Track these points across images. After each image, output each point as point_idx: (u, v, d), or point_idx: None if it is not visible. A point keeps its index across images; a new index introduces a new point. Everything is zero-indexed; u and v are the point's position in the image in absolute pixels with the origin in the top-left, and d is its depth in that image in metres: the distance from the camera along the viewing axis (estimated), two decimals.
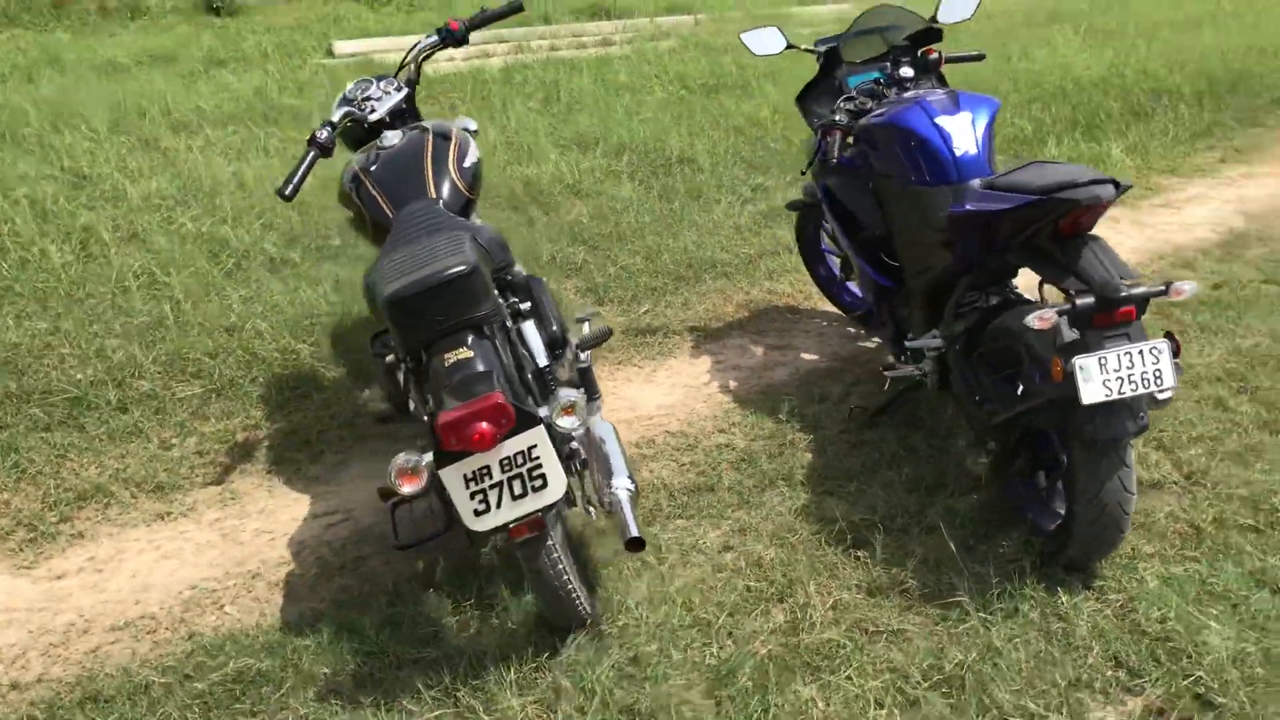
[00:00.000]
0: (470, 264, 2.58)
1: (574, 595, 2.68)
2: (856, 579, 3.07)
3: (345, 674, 2.74)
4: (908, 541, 3.20)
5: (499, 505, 2.42)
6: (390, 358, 2.95)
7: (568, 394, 2.48)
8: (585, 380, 2.98)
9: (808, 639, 2.83)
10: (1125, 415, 2.75)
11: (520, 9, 3.76)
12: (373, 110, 3.50)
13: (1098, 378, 2.68)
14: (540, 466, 2.43)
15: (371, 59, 8.64)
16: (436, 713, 2.62)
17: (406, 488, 2.39)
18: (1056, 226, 2.89)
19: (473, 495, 2.40)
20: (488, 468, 2.39)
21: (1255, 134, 7.63)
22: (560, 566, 2.62)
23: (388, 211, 3.19)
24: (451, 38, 3.63)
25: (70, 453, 3.73)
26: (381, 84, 3.60)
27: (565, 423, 2.48)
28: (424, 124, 3.49)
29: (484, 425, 2.32)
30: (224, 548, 3.31)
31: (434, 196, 3.22)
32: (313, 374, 4.20)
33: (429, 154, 3.32)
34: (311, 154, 3.24)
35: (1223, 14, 10.80)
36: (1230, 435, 3.69)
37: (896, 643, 2.83)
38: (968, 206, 3.09)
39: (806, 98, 4.26)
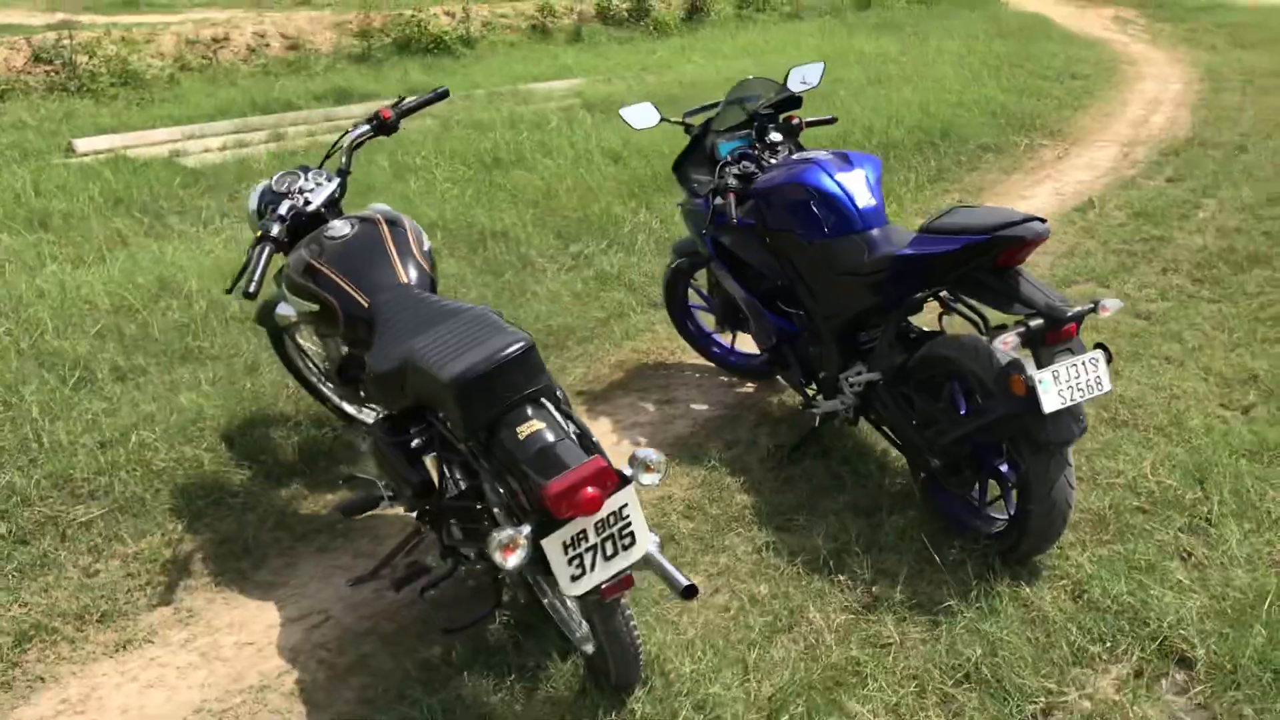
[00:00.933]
0: (529, 340, 2.66)
1: (640, 651, 2.78)
2: (847, 600, 3.33)
3: None
4: (877, 560, 3.50)
5: (592, 568, 2.51)
6: (417, 441, 2.94)
7: (647, 453, 2.60)
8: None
9: (829, 660, 3.06)
10: (1071, 420, 3.18)
11: (446, 95, 3.84)
12: (308, 202, 3.48)
13: (1054, 389, 3.09)
14: (629, 525, 2.54)
15: (124, 154, 8.20)
16: None
17: (510, 560, 2.43)
18: (995, 262, 3.30)
19: (570, 561, 2.47)
20: (584, 532, 2.48)
21: (976, 176, 8.65)
22: (633, 623, 2.72)
23: (360, 300, 3.18)
24: (383, 126, 3.67)
25: None
26: (310, 175, 3.59)
27: (648, 479, 2.59)
28: (366, 213, 3.50)
29: (591, 490, 2.41)
30: (210, 667, 3.14)
31: (405, 281, 3.25)
32: (221, 480, 4.02)
33: (390, 241, 3.34)
34: (267, 249, 3.21)
35: (910, 73, 12.10)
36: (1086, 436, 4.24)
37: (907, 650, 3.11)
38: (911, 250, 3.45)
39: (683, 165, 4.54)
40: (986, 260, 3.31)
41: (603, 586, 2.54)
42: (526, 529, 2.47)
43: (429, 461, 2.97)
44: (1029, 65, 12.94)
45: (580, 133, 9.01)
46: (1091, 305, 3.21)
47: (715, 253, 4.36)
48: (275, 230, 3.26)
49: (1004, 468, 3.48)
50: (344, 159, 3.64)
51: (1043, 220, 3.26)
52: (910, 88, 11.26)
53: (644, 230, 6.78)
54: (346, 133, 3.67)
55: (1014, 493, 3.42)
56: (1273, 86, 12.01)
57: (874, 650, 3.11)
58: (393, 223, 3.44)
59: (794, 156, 4.12)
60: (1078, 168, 8.89)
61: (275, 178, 3.59)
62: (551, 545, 2.46)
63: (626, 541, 2.54)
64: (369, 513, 3.38)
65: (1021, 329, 3.15)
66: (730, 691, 2.92)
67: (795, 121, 4.42)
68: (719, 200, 4.10)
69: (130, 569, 3.57)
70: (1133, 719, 2.84)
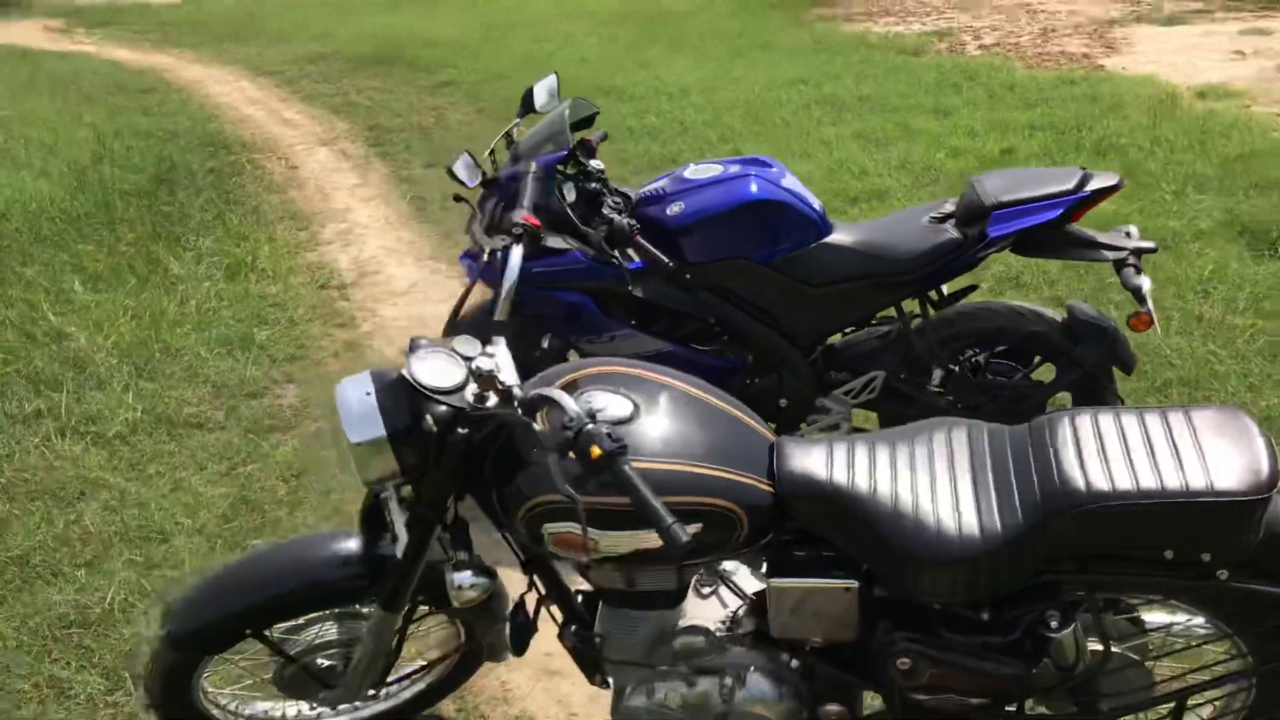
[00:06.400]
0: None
1: None
2: None
3: None
4: None
5: None
6: (1056, 623, 2.20)
7: None
8: None
9: None
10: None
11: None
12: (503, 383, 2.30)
13: (1154, 313, 3.40)
14: None
15: None
16: None
17: None
18: (1071, 219, 3.45)
19: None
20: None
21: None
22: None
23: (761, 485, 2.29)
24: (534, 236, 3.24)
25: None
26: (465, 347, 2.19)
27: None
28: (596, 370, 2.36)
29: None
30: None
31: (773, 437, 2.48)
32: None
33: (700, 391, 2.42)
34: (628, 466, 2.00)
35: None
36: None
37: None
38: (1003, 230, 3.45)
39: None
40: (1065, 219, 3.45)
41: None
42: None
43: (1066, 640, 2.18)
44: None
45: None
46: (1127, 232, 3.49)
47: (600, 306, 3.73)
48: (610, 441, 1.92)
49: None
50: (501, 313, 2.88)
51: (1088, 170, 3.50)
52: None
53: None
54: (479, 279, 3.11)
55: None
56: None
57: None
58: (659, 370, 2.39)
59: (693, 177, 3.71)
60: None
61: (413, 366, 2.07)
62: None
63: None
64: None
65: (1130, 265, 3.37)
66: None
67: (593, 140, 3.85)
68: (615, 251, 3.56)
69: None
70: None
